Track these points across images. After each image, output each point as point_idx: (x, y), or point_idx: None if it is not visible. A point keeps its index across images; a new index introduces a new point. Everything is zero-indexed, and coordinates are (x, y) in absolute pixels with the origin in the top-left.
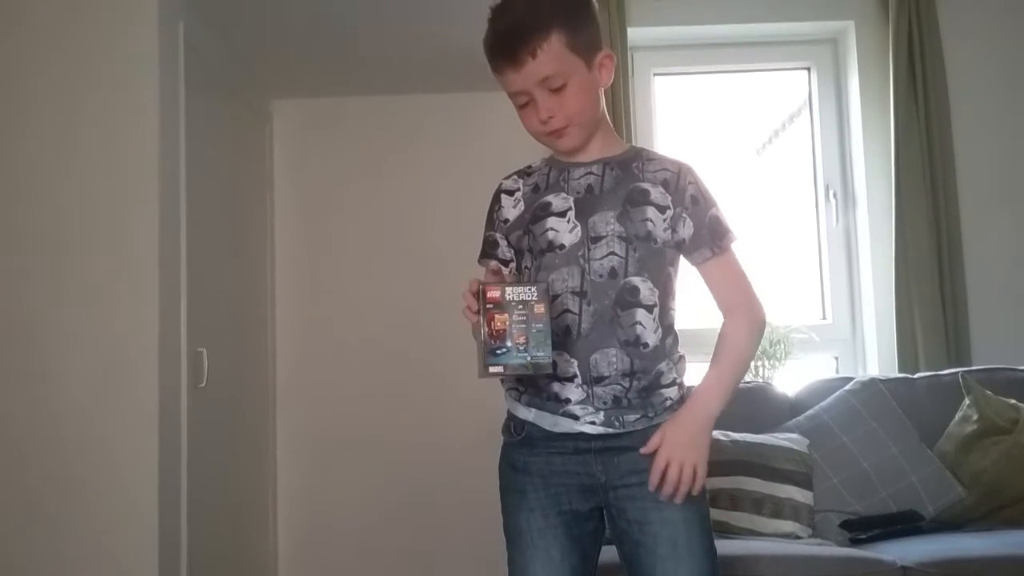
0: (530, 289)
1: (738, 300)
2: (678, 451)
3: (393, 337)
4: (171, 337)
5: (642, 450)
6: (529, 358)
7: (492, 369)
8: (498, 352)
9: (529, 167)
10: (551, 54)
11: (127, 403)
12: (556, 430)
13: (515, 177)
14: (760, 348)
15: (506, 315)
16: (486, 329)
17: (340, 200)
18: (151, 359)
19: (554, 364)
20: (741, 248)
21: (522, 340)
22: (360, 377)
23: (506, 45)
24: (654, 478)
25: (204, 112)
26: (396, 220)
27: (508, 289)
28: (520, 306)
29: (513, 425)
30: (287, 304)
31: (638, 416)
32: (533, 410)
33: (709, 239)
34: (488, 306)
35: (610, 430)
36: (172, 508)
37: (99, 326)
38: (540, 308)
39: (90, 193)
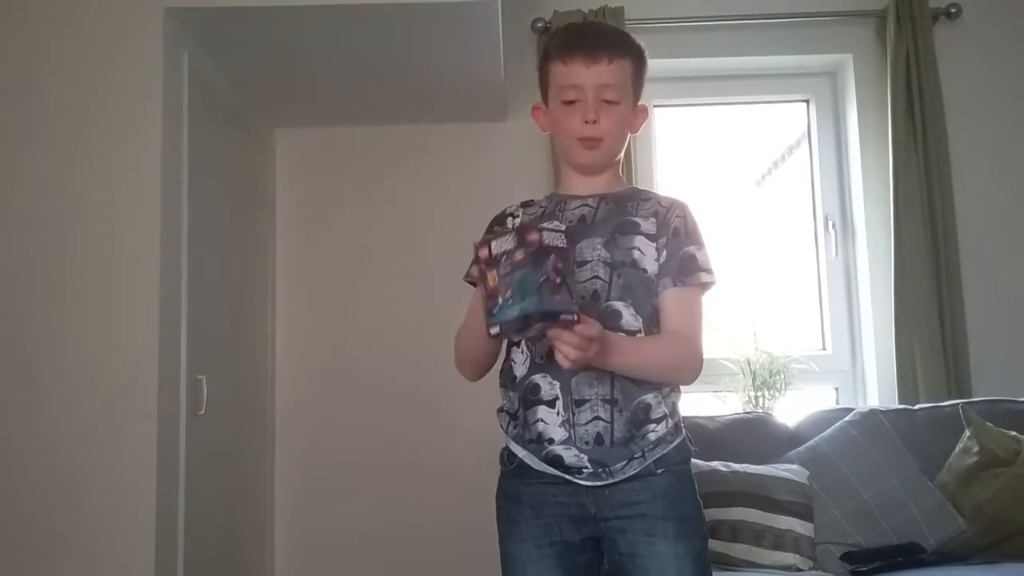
0: (511, 237)
1: (683, 332)
2: (590, 352)
3: (393, 365)
4: (170, 364)
5: (577, 328)
6: (518, 311)
7: (491, 331)
8: (493, 312)
9: (531, 200)
10: (621, 69)
11: (126, 430)
12: (545, 471)
13: (516, 206)
14: (760, 379)
15: (494, 271)
16: (482, 290)
17: (342, 229)
18: (150, 386)
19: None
20: (725, 297)
21: (508, 294)
22: (360, 405)
23: (592, 41)
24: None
25: (207, 141)
26: (397, 249)
27: (493, 243)
28: (505, 257)
29: (507, 455)
30: (287, 332)
31: (624, 463)
32: (523, 449)
33: (676, 270)
34: (483, 265)
35: (597, 483)
36: (169, 536)
37: (98, 353)
38: (518, 255)
39: (92, 221)
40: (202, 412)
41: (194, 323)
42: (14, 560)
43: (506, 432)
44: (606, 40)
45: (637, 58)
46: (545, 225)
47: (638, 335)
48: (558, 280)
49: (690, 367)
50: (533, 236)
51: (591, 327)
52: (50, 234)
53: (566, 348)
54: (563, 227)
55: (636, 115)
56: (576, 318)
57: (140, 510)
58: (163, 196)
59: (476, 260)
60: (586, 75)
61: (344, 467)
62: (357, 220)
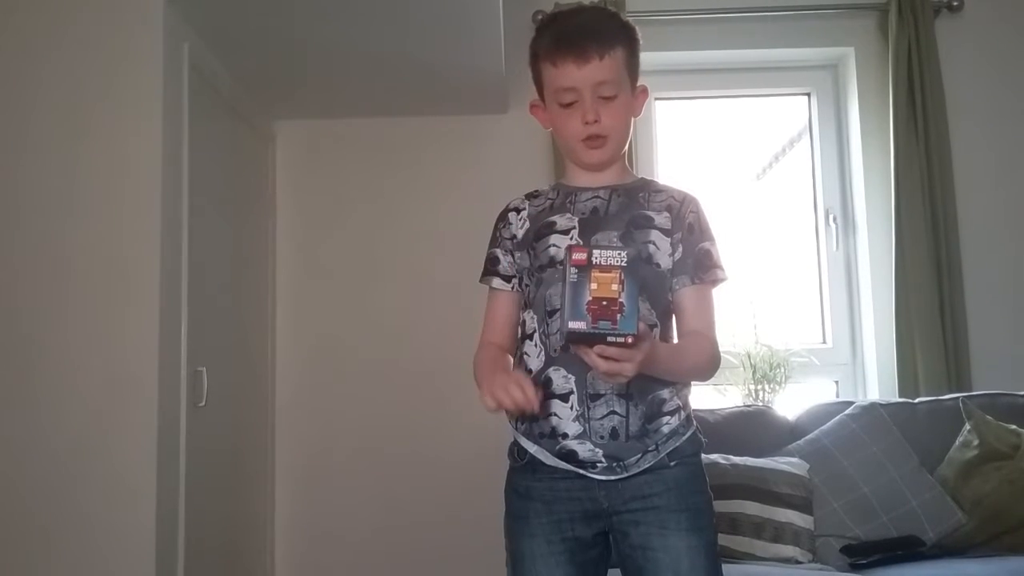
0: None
1: (705, 333)
2: (633, 367)
3: (394, 358)
4: (171, 356)
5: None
6: (565, 327)
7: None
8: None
9: (536, 191)
10: (614, 62)
11: (126, 422)
12: (558, 466)
13: (521, 198)
14: (760, 372)
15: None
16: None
17: (342, 221)
18: (151, 378)
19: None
20: (724, 290)
21: (566, 309)
22: (360, 399)
23: (579, 40)
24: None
25: (207, 133)
26: (398, 241)
27: (595, 252)
28: (566, 271)
29: (517, 450)
30: (287, 324)
31: (638, 456)
32: (534, 445)
33: (693, 268)
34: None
35: (612, 477)
36: (170, 528)
37: (99, 345)
38: (571, 275)
39: (92, 213)
40: (202, 404)
41: (194, 315)
42: (15, 550)
43: (515, 427)
44: (593, 35)
45: (629, 42)
46: (600, 242)
47: (653, 329)
48: (603, 303)
49: (714, 367)
50: (579, 256)
51: (638, 351)
52: (50, 226)
53: (602, 363)
54: (576, 219)
55: (636, 98)
56: (628, 340)
57: (141, 502)
58: (163, 188)
59: (570, 263)
60: (579, 76)
61: (344, 459)
62: (357, 212)
